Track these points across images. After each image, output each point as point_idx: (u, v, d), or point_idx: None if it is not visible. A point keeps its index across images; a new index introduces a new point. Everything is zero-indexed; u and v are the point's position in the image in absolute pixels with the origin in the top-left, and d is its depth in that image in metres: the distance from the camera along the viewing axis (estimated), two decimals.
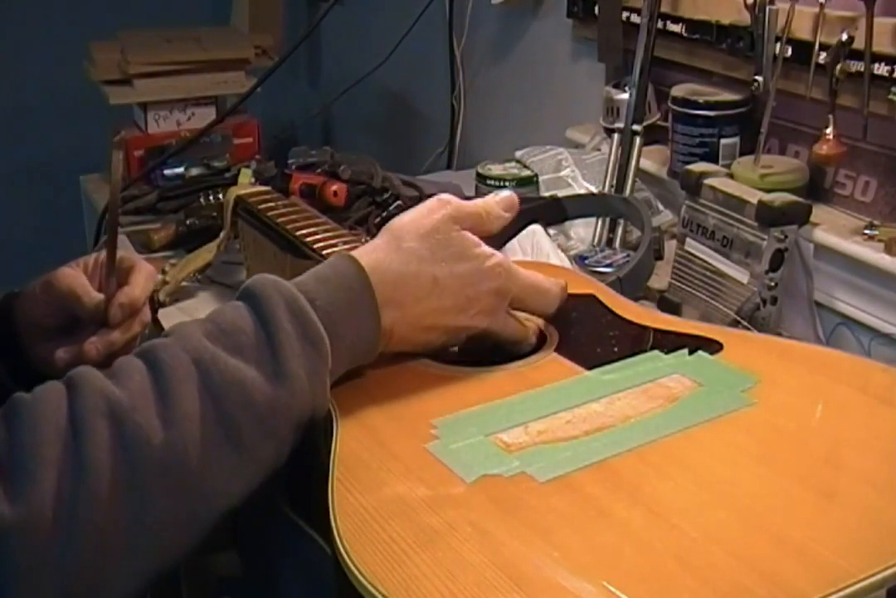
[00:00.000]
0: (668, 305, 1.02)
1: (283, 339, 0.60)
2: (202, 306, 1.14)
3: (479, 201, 0.71)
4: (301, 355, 0.60)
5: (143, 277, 0.75)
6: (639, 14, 1.22)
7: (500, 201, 0.71)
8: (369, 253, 0.66)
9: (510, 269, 0.70)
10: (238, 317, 0.61)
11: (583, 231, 1.19)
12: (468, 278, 0.67)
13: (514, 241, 1.05)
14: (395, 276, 0.65)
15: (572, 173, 1.27)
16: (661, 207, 1.23)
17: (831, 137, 1.00)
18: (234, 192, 1.04)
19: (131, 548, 0.54)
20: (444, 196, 0.70)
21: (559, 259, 1.03)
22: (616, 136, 1.25)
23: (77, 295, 0.72)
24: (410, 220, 0.68)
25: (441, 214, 0.68)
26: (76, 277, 0.73)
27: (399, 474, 0.58)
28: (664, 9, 1.20)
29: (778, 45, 1.04)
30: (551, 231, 1.14)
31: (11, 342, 0.75)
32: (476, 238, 0.69)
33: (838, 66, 0.97)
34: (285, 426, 0.59)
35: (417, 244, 0.66)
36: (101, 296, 0.73)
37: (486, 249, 0.69)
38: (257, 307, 0.61)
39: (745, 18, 1.08)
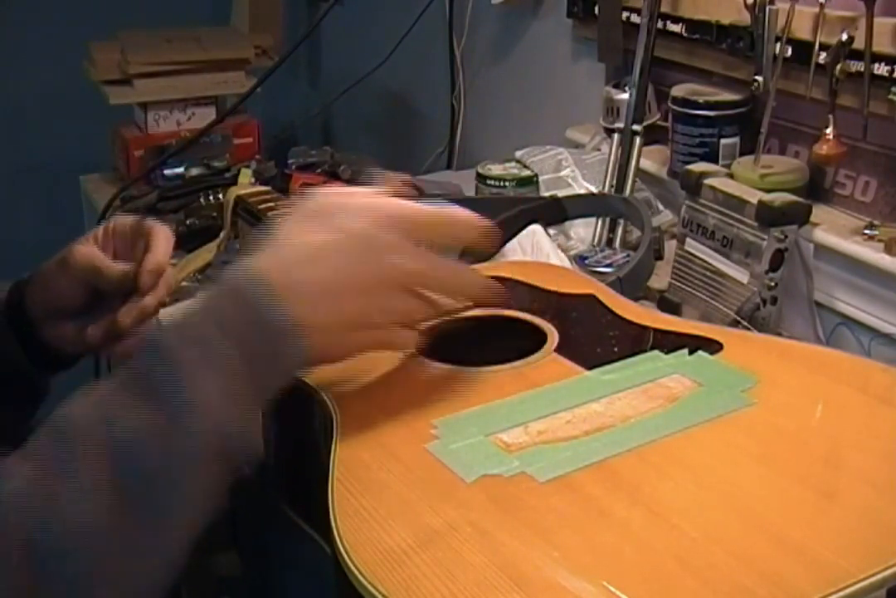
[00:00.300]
0: (668, 305, 1.02)
1: (185, 367, 0.54)
2: None
3: None
4: (205, 378, 0.54)
5: (163, 240, 0.74)
6: (639, 14, 1.22)
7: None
8: (255, 257, 0.60)
9: (389, 201, 0.63)
10: (140, 358, 0.56)
11: (583, 231, 1.19)
12: (349, 224, 0.60)
13: (514, 241, 1.05)
14: (283, 260, 0.59)
15: (572, 173, 1.27)
16: (661, 207, 1.23)
17: (831, 137, 1.00)
18: (234, 192, 1.04)
19: None
20: None
21: (559, 259, 1.03)
22: (616, 136, 1.25)
23: (98, 269, 0.72)
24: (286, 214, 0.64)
25: (301, 199, 0.63)
26: (92, 252, 0.73)
27: (399, 474, 0.58)
28: (664, 9, 1.20)
29: (778, 45, 1.04)
30: (551, 231, 1.14)
31: (27, 329, 0.75)
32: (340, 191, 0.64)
33: (838, 66, 0.97)
34: (193, 469, 0.53)
35: (289, 225, 0.61)
36: (122, 267, 0.73)
37: (348, 195, 0.63)
38: (155, 344, 0.56)
39: (745, 18, 1.08)
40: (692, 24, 1.18)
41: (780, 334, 0.95)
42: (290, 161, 1.36)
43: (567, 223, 1.18)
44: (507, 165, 1.31)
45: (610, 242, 1.18)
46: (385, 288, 0.61)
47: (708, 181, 0.99)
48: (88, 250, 0.73)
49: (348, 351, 0.62)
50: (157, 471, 0.52)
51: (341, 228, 0.60)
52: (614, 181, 1.22)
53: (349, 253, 0.60)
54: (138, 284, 0.71)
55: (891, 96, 0.95)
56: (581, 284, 0.83)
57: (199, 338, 0.55)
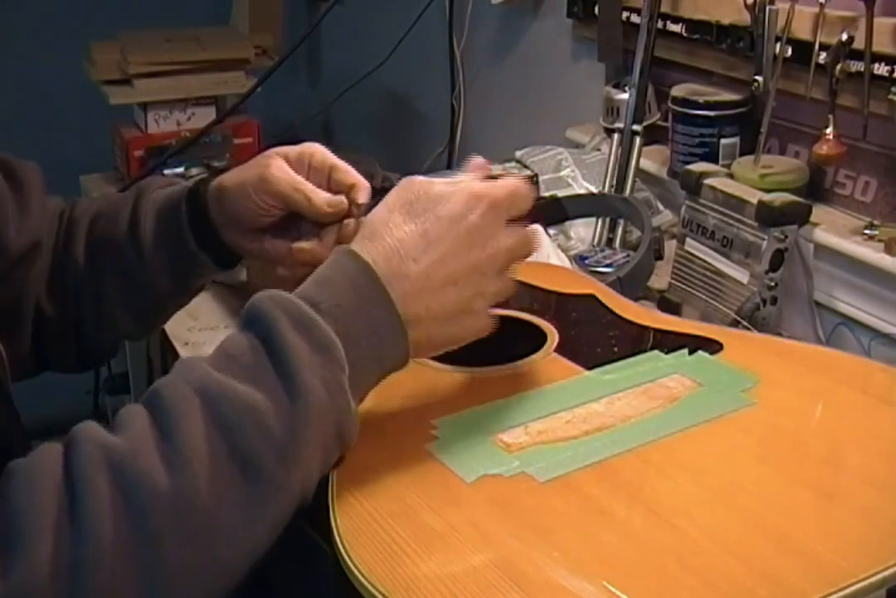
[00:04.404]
0: (668, 305, 1.02)
1: (290, 352, 0.55)
2: (202, 305, 1.14)
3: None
4: (313, 365, 0.56)
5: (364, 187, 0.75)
6: (639, 14, 1.22)
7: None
8: (356, 245, 0.62)
9: (486, 186, 0.65)
10: (240, 339, 0.57)
11: (583, 231, 1.19)
12: (456, 213, 0.62)
13: None
14: (388, 250, 0.61)
15: (572, 173, 1.27)
16: (661, 207, 1.23)
17: (831, 137, 1.00)
18: None
19: None
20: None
21: (559, 259, 1.03)
22: (616, 136, 1.25)
23: (302, 198, 0.72)
24: (377, 205, 0.66)
25: (400, 186, 0.65)
26: (294, 178, 0.73)
27: (399, 474, 0.58)
28: (664, 9, 1.20)
29: (778, 45, 1.04)
30: (551, 231, 1.14)
31: (205, 225, 0.77)
32: (441, 184, 0.64)
33: (838, 66, 0.97)
34: (308, 449, 0.55)
35: (389, 214, 0.63)
36: (327, 197, 0.73)
37: (451, 184, 0.64)
38: (256, 324, 0.57)
39: (745, 18, 1.08)
40: (692, 24, 1.18)
41: (780, 334, 0.95)
42: None
43: (567, 223, 1.18)
44: (507, 165, 1.31)
45: (610, 242, 1.18)
46: (480, 273, 0.62)
47: (708, 181, 0.99)
48: (289, 176, 0.73)
49: (448, 340, 0.63)
50: (254, 451, 0.53)
51: (440, 217, 0.62)
52: (614, 181, 1.22)
53: (451, 242, 0.61)
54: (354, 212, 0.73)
55: (891, 96, 0.95)
56: (581, 284, 0.83)
57: (303, 320, 0.57)
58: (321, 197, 0.72)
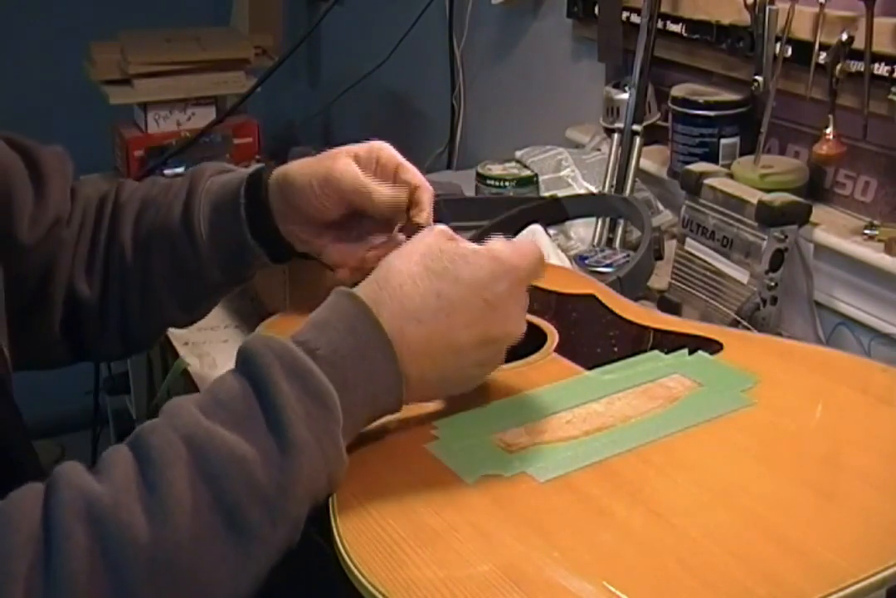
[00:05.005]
0: (668, 305, 1.02)
1: (282, 402, 0.53)
2: None
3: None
4: (305, 417, 0.53)
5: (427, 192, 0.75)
6: (639, 14, 1.22)
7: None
8: (363, 287, 0.60)
9: (513, 254, 0.61)
10: (233, 383, 0.55)
11: (583, 231, 1.19)
12: (478, 281, 0.59)
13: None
14: (394, 303, 0.58)
15: (572, 173, 1.27)
16: (661, 207, 1.23)
17: (831, 137, 1.00)
18: None
19: None
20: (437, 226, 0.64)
21: (559, 259, 1.03)
22: (616, 136, 1.25)
23: (367, 193, 0.72)
24: (398, 251, 0.62)
25: (430, 233, 0.62)
26: (358, 175, 0.72)
27: (399, 474, 0.58)
28: (664, 9, 1.20)
29: (778, 45, 1.04)
30: (551, 231, 1.14)
31: (261, 213, 0.76)
32: (471, 245, 0.62)
33: (838, 66, 0.97)
34: (297, 505, 0.53)
35: (408, 262, 0.60)
36: (391, 191, 0.73)
37: (483, 249, 0.61)
38: (250, 370, 0.55)
39: (745, 18, 1.08)
40: (692, 24, 1.18)
41: (780, 334, 0.95)
42: (290, 161, 1.36)
43: (567, 223, 1.18)
44: (507, 165, 1.31)
45: (610, 242, 1.18)
46: (488, 349, 0.61)
47: (708, 181, 0.99)
48: (354, 175, 0.72)
49: (441, 395, 0.64)
50: (240, 503, 0.51)
51: (459, 279, 0.59)
52: (614, 181, 1.22)
53: (464, 311, 0.59)
54: (415, 202, 0.73)
55: (891, 96, 0.95)
56: (581, 284, 0.83)
57: (297, 367, 0.55)
58: (384, 193, 0.72)
